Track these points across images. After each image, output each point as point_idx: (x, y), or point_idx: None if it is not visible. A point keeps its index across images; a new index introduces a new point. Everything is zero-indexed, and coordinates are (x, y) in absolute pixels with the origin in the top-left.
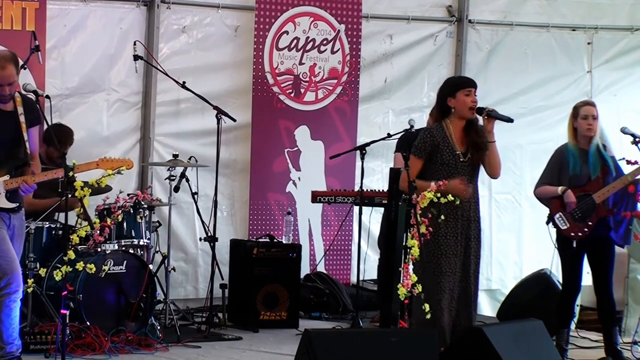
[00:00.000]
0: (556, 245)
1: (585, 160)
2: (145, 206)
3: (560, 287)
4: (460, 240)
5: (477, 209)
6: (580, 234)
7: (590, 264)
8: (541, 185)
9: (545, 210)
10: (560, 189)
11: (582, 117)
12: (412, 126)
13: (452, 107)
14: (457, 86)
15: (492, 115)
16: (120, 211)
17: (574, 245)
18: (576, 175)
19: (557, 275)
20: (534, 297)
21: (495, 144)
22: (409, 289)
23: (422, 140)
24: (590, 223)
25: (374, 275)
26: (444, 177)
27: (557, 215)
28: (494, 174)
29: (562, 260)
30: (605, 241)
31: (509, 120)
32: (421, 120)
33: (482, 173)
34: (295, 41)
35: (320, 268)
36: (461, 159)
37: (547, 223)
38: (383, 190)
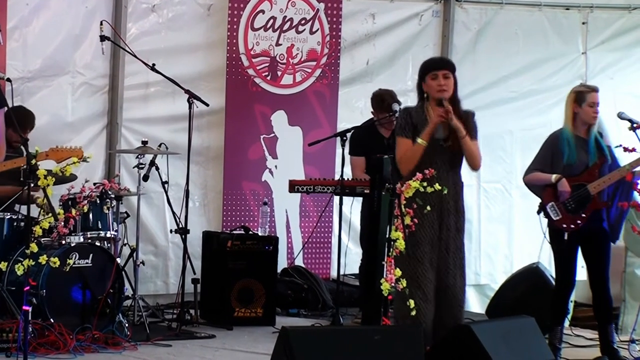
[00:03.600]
0: (546, 237)
1: (583, 149)
2: (113, 196)
3: (553, 282)
4: (436, 230)
5: (458, 199)
6: (572, 225)
7: (585, 258)
8: (532, 171)
9: (538, 200)
10: (554, 177)
11: (589, 104)
12: (395, 111)
13: (425, 92)
14: (424, 70)
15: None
16: (85, 201)
17: (566, 237)
18: (570, 164)
19: (550, 269)
20: (525, 292)
21: (467, 138)
22: (392, 284)
23: (403, 120)
24: (583, 215)
25: (356, 270)
26: (422, 163)
27: (549, 205)
28: (473, 166)
29: (555, 253)
30: (600, 234)
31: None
32: (405, 105)
33: None
34: (271, 21)
35: (299, 262)
36: (441, 144)
37: (538, 213)
38: (365, 179)
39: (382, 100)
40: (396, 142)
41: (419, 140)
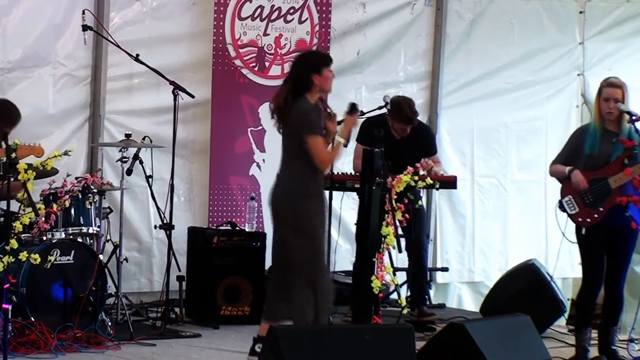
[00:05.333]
0: (565, 235)
1: (609, 142)
2: (95, 191)
3: (549, 279)
4: None
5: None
6: (589, 220)
7: (607, 255)
8: (554, 164)
9: (536, 195)
10: (567, 169)
11: (604, 98)
12: (387, 103)
13: (316, 83)
14: (323, 62)
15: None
16: (67, 196)
17: (583, 232)
18: (592, 155)
19: (546, 266)
20: (520, 290)
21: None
22: (383, 281)
23: (317, 123)
24: (601, 209)
25: (346, 267)
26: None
27: (566, 199)
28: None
29: (580, 251)
30: (624, 231)
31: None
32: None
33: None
34: (259, 10)
35: None
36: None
37: (560, 208)
38: (355, 173)
39: (401, 109)
40: (311, 142)
41: (342, 140)
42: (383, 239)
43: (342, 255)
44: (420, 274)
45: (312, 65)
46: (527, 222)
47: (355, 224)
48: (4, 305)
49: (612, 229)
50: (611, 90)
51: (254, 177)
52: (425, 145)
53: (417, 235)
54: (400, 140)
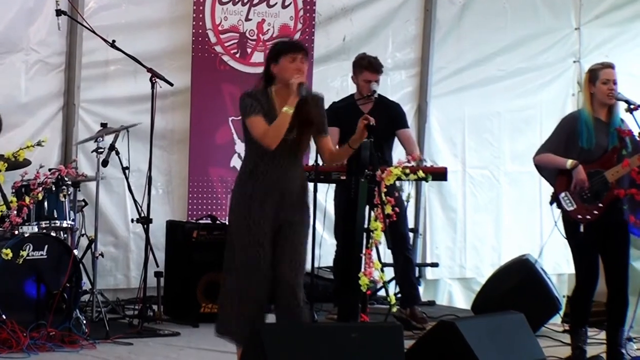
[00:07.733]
0: (559, 229)
1: (603, 132)
2: (70, 183)
3: (544, 275)
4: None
5: (301, 191)
6: (588, 216)
7: (602, 253)
8: (545, 152)
9: (530, 187)
10: (569, 162)
11: (602, 81)
12: (374, 91)
13: (275, 73)
14: (281, 51)
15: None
16: (40, 188)
17: (582, 229)
18: (588, 149)
19: (540, 262)
20: (514, 287)
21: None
22: (371, 278)
23: (249, 101)
24: (600, 205)
25: (331, 262)
26: (262, 152)
27: (563, 195)
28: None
29: (572, 248)
30: (620, 226)
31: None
32: (384, 85)
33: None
34: None
35: None
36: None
37: (551, 204)
38: (341, 164)
39: (363, 57)
40: (248, 124)
41: (286, 109)
42: (371, 233)
43: (327, 250)
44: (408, 269)
45: (270, 55)
46: (520, 215)
47: (335, 220)
48: None
49: (607, 224)
50: (611, 71)
51: (235, 168)
52: (396, 117)
53: (400, 229)
54: (370, 113)
